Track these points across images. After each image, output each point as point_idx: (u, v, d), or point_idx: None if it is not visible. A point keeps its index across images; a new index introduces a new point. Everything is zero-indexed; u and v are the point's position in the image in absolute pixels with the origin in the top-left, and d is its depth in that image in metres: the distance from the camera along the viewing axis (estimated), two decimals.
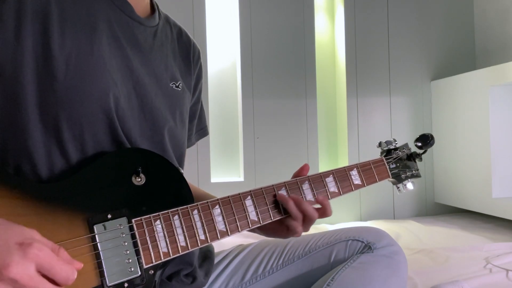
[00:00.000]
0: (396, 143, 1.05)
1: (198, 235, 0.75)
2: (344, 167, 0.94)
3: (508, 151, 2.40)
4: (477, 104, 2.47)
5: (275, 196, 0.84)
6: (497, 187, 2.37)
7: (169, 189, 0.76)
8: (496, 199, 2.36)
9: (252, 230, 0.88)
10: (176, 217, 0.74)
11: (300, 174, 0.90)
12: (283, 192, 0.85)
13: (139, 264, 0.69)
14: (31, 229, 0.58)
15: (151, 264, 0.70)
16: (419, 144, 1.04)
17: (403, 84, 2.85)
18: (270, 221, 0.83)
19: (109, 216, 0.69)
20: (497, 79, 2.33)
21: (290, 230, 0.86)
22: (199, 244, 0.74)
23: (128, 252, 0.68)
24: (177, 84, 0.91)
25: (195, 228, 0.75)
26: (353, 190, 0.93)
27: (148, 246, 0.70)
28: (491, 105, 2.38)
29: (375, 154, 1.07)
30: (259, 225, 0.82)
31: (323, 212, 0.86)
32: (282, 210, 0.84)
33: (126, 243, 0.69)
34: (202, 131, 1.09)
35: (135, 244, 0.69)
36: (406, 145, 1.06)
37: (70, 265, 0.58)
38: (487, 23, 2.89)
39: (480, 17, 2.94)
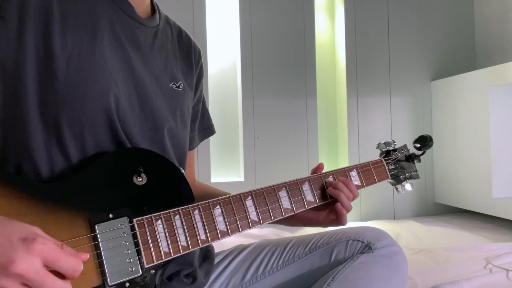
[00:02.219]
0: (395, 144, 1.05)
1: (199, 235, 0.75)
2: (343, 167, 0.95)
3: (508, 151, 2.40)
4: (477, 104, 2.47)
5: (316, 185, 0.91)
6: (497, 187, 2.37)
7: (170, 189, 0.76)
8: (496, 199, 2.36)
9: (292, 222, 0.95)
10: (177, 217, 0.74)
11: (317, 171, 0.94)
12: (283, 192, 0.86)
13: (140, 263, 0.69)
14: (33, 226, 0.58)
15: (152, 264, 0.70)
16: (418, 145, 1.05)
17: (403, 84, 2.85)
18: (270, 221, 0.83)
19: (110, 215, 0.69)
20: (497, 79, 2.33)
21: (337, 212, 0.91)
22: (200, 244, 0.75)
23: (129, 251, 0.69)
24: (177, 85, 0.91)
25: (196, 228, 0.75)
26: None
27: (149, 246, 0.70)
28: (491, 105, 2.38)
29: (375, 154, 1.07)
30: (259, 224, 0.82)
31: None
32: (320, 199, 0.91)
33: (127, 243, 0.69)
34: (206, 131, 1.08)
35: (136, 244, 0.69)
36: (405, 146, 1.06)
37: (75, 257, 0.58)
38: (487, 23, 2.89)
39: (480, 17, 2.94)
